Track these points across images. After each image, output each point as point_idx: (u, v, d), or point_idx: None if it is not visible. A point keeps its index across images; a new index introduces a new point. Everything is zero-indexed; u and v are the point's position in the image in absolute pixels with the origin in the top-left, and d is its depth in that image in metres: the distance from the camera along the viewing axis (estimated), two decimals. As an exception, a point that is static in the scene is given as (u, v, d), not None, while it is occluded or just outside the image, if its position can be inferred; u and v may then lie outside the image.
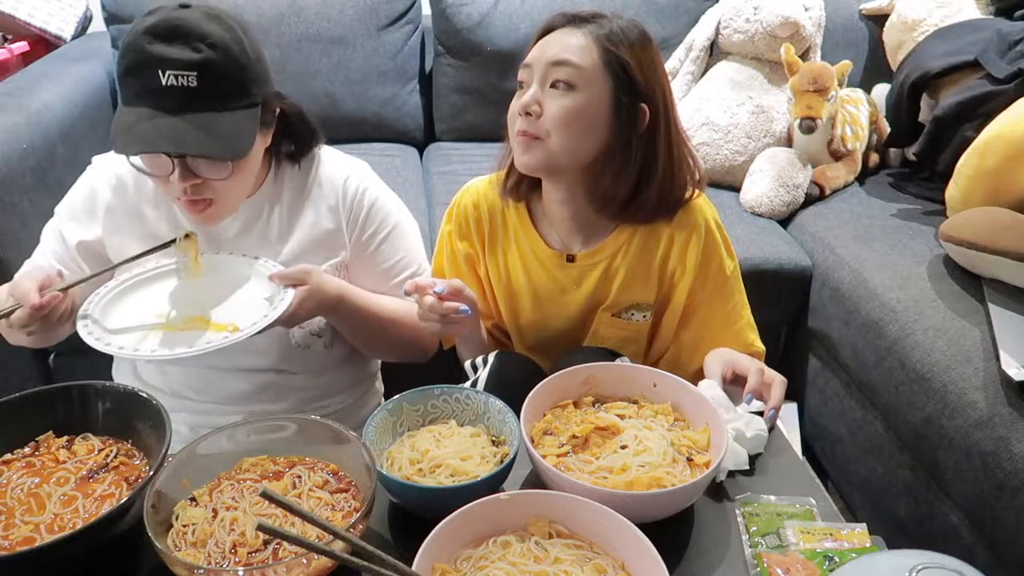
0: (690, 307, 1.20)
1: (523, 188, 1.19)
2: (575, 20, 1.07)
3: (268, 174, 1.18)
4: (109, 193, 1.15)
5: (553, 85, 1.05)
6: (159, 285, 1.12)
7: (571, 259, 1.19)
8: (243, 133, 1.02)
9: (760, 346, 1.24)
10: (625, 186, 1.10)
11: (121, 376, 1.25)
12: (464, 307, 1.08)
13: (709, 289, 1.19)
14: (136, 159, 1.03)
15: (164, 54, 0.96)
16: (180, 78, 0.96)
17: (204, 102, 0.98)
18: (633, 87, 1.06)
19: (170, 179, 1.02)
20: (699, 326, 1.20)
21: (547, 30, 1.09)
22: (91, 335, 1.00)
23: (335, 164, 1.22)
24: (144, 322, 1.06)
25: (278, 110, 1.12)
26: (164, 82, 0.96)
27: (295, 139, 1.17)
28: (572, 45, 1.05)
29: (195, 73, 0.97)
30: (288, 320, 1.06)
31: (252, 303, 1.07)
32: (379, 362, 1.40)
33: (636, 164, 1.09)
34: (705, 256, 1.17)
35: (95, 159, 1.20)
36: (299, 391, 1.23)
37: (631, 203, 1.12)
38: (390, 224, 1.23)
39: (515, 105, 1.09)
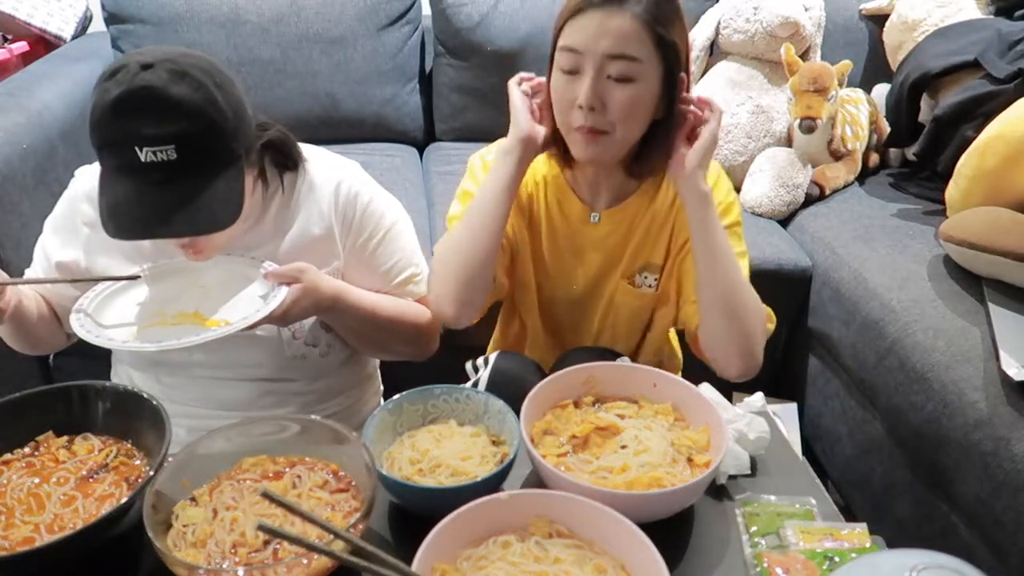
0: (684, 253, 1.19)
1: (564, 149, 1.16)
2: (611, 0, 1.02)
3: (256, 192, 1.13)
4: (91, 208, 1.11)
5: (609, 76, 1.03)
6: (156, 284, 1.11)
7: (596, 218, 1.20)
8: (231, 197, 0.99)
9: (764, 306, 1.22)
10: (668, 148, 1.11)
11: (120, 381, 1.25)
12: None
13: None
14: None
15: (137, 131, 0.92)
16: (159, 153, 0.92)
17: (187, 172, 0.95)
18: (680, 63, 1.07)
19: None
20: (687, 271, 1.18)
21: (582, 7, 1.03)
22: (82, 327, 1.00)
23: (325, 168, 1.18)
24: (137, 319, 1.06)
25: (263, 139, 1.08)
26: (143, 159, 0.92)
27: (282, 162, 1.14)
28: (626, 35, 1.01)
29: (172, 146, 0.92)
30: (282, 318, 1.05)
31: (247, 301, 1.07)
32: (378, 362, 1.40)
33: (677, 127, 1.10)
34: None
35: (78, 172, 1.17)
36: (297, 396, 1.22)
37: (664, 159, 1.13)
38: (385, 227, 1.20)
39: (564, 93, 1.05)
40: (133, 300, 1.09)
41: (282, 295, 1.03)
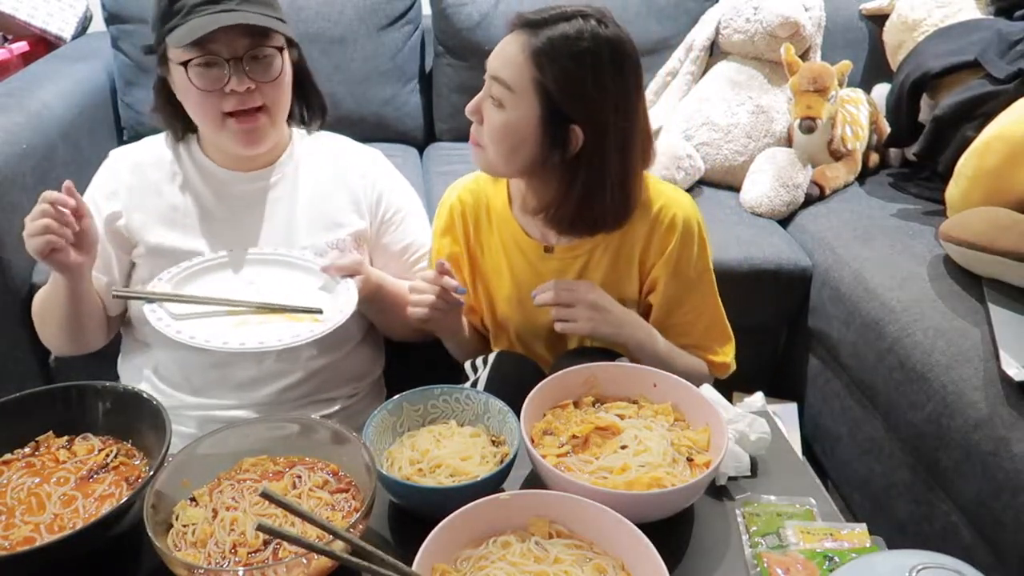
0: (658, 302, 1.21)
1: None
2: (528, 24, 1.03)
3: (289, 141, 1.27)
4: (128, 174, 1.22)
5: (491, 96, 1.05)
6: (213, 275, 1.15)
7: (549, 250, 1.19)
8: (287, 28, 1.14)
9: (721, 357, 1.24)
10: (568, 202, 1.09)
11: (131, 373, 1.26)
12: (461, 287, 1.12)
13: (675, 286, 1.19)
14: (195, 74, 1.09)
15: None
16: None
17: (254, 4, 1.10)
18: (561, 110, 1.03)
19: (225, 90, 1.10)
20: (656, 321, 1.21)
21: (509, 28, 1.06)
22: (169, 327, 1.03)
23: (350, 150, 1.32)
24: (211, 312, 1.09)
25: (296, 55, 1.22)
26: None
27: (307, 99, 1.27)
28: (509, 60, 1.03)
29: None
30: None
31: (311, 293, 1.14)
32: (383, 363, 1.41)
33: (576, 184, 1.08)
34: (678, 252, 1.16)
35: (112, 152, 1.26)
36: (309, 379, 1.23)
37: (579, 218, 1.11)
38: (403, 211, 1.32)
39: None
40: (196, 292, 1.12)
41: (353, 285, 1.13)
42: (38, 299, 1.24)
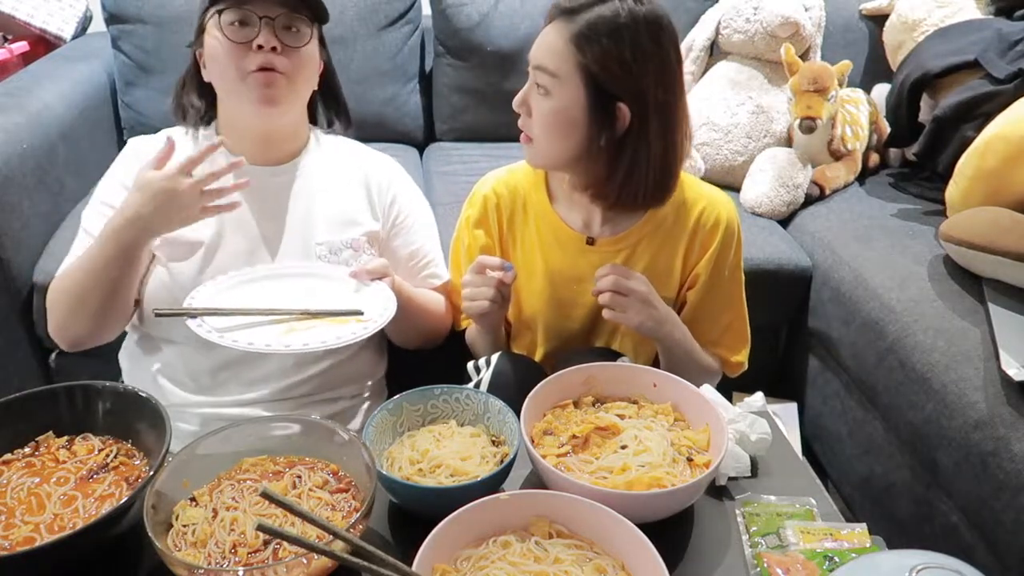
0: (693, 298, 1.22)
1: None
2: (566, 13, 1.05)
3: (308, 140, 1.29)
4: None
5: (536, 85, 1.07)
6: (243, 291, 1.14)
7: (591, 242, 1.20)
8: (323, 14, 1.21)
9: (737, 357, 1.26)
10: (615, 178, 1.10)
11: (135, 370, 1.25)
12: (508, 263, 1.13)
13: (711, 283, 1.20)
14: (229, 29, 1.12)
15: None
16: None
17: None
18: (606, 90, 1.04)
19: (252, 46, 1.12)
20: (687, 315, 1.22)
21: (547, 20, 1.09)
22: (222, 338, 1.01)
23: (365, 154, 1.35)
24: (257, 323, 1.07)
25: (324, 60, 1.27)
26: None
27: (335, 104, 1.33)
28: (551, 48, 1.05)
29: None
30: None
31: (344, 298, 1.14)
32: (386, 364, 1.41)
33: (623, 160, 1.09)
34: (719, 251, 1.19)
35: (131, 141, 1.27)
36: (316, 377, 1.23)
37: (623, 193, 1.12)
38: (414, 216, 1.33)
39: None
40: (231, 304, 1.10)
41: (385, 286, 1.16)
42: (67, 281, 1.16)
